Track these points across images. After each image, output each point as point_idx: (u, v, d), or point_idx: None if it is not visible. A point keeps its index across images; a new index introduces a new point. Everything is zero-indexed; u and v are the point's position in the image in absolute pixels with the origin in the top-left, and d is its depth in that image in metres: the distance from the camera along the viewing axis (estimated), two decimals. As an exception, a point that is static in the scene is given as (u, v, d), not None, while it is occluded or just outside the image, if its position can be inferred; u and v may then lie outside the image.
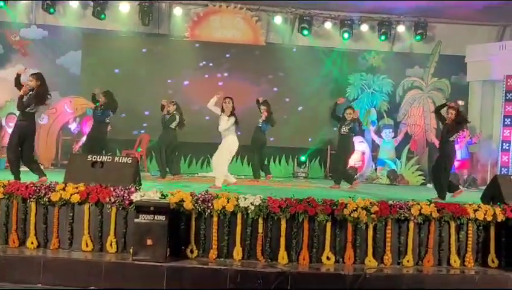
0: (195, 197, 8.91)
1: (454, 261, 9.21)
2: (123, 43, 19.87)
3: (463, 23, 20.17)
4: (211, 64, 20.22)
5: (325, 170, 20.37)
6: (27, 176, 11.43)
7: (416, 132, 20.07)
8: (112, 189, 9.02)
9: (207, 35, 20.29)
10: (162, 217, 8.37)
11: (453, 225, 9.24)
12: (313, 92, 20.10)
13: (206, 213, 8.85)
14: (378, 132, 19.92)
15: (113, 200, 8.86)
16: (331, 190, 14.58)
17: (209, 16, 20.32)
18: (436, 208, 9.16)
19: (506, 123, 18.32)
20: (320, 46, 20.71)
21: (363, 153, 19.86)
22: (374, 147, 20.14)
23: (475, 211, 9.30)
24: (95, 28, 19.80)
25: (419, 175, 19.19)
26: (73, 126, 18.95)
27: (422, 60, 20.70)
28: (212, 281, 8.27)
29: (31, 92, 12.32)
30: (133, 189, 9.09)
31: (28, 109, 12.16)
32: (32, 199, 9.00)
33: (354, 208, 8.87)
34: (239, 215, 8.84)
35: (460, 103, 20.20)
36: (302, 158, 20.16)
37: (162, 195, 8.89)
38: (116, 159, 10.45)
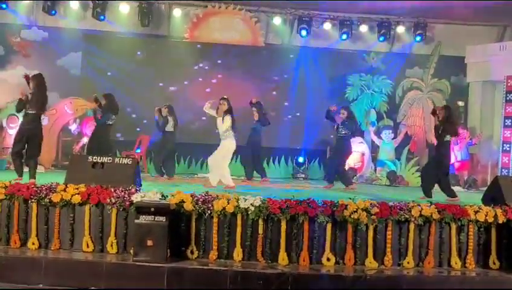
0: (196, 198, 8.93)
1: (455, 263, 9.20)
2: (123, 44, 19.89)
3: (463, 23, 20.16)
4: (210, 65, 20.23)
5: (325, 171, 20.36)
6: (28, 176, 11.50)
7: (416, 132, 20.07)
8: (112, 190, 9.03)
9: (206, 36, 20.29)
10: (163, 218, 8.39)
11: (453, 226, 9.23)
12: (313, 93, 20.09)
13: (207, 214, 8.86)
14: (377, 133, 19.91)
15: (113, 201, 8.87)
16: (331, 191, 14.59)
17: (209, 17, 20.32)
18: (436, 210, 9.16)
19: (506, 124, 18.29)
20: (319, 47, 20.71)
21: (363, 154, 19.87)
22: (374, 148, 20.13)
23: (476, 212, 9.30)
24: (95, 30, 19.80)
25: (419, 176, 19.15)
26: (73, 127, 18.95)
27: (422, 61, 20.71)
28: (212, 282, 8.28)
29: (30, 95, 12.37)
30: (133, 190, 9.10)
31: (27, 110, 12.38)
32: (33, 200, 9.01)
33: (354, 209, 8.88)
34: (239, 217, 8.84)
35: (460, 103, 20.28)
36: (300, 159, 20.15)
37: (163, 196, 8.90)
38: (117, 160, 10.48)
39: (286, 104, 20.29)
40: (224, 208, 8.80)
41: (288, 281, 8.25)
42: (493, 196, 10.40)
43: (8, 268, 8.37)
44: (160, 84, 19.72)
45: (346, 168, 18.47)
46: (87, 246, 8.93)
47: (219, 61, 20.19)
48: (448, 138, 13.45)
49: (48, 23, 19.61)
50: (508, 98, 18.32)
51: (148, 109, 17.88)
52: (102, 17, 19.35)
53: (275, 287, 8.20)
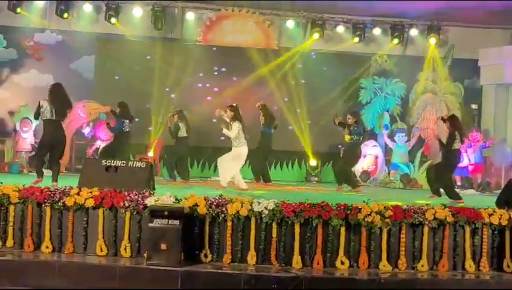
0: (209, 202, 8.93)
1: (469, 266, 9.16)
2: (136, 47, 19.89)
3: (476, 26, 20.09)
4: (223, 68, 20.20)
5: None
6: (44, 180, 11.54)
7: (429, 135, 20.00)
8: (126, 194, 9.04)
9: (219, 39, 20.30)
10: (176, 222, 8.39)
11: (467, 229, 9.19)
12: (326, 96, 20.06)
13: (220, 217, 8.86)
14: (391, 136, 19.86)
15: (127, 204, 8.88)
16: (345, 194, 14.55)
17: (222, 21, 20.33)
18: (450, 213, 9.12)
19: (520, 127, 18.27)
20: (332, 50, 20.69)
21: (376, 157, 19.83)
22: (387, 151, 20.08)
23: (490, 215, 9.26)
24: (108, 33, 19.84)
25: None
26: (86, 131, 18.99)
27: (436, 64, 20.63)
28: (226, 286, 8.28)
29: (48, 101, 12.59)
30: (147, 193, 9.11)
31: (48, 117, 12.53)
32: (47, 204, 9.04)
33: (368, 213, 8.86)
34: (253, 220, 8.84)
35: (474, 106, 20.21)
36: (313, 163, 20.10)
37: (176, 199, 8.91)
38: (130, 163, 10.51)
39: (299, 106, 20.22)
40: (238, 212, 8.79)
41: (302, 284, 8.24)
42: (507, 199, 10.35)
43: (22, 272, 8.39)
44: (174, 87, 19.68)
45: (356, 173, 18.55)
46: (101, 250, 8.94)
47: (233, 65, 20.14)
48: (456, 146, 13.63)
49: (61, 27, 19.66)
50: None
51: (162, 112, 17.91)
52: (115, 21, 19.35)
53: (288, 290, 8.21)
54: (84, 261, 8.71)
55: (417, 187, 18.45)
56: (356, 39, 20.24)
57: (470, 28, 20.32)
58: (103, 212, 8.98)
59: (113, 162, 10.37)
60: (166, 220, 8.37)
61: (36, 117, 12.83)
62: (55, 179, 12.37)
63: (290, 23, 20.36)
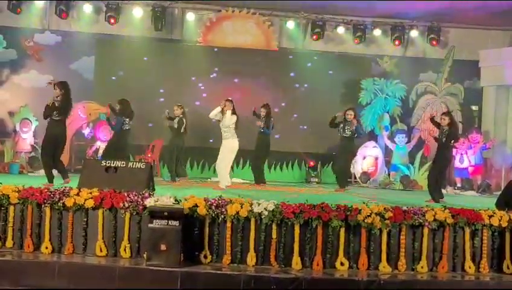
0: (209, 203, 8.92)
1: (469, 268, 9.16)
2: (136, 48, 19.90)
3: (477, 27, 20.11)
4: (223, 69, 20.18)
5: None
6: (42, 180, 11.53)
7: (429, 137, 19.98)
8: (125, 194, 9.03)
9: (220, 40, 20.30)
10: (176, 223, 8.38)
11: (467, 230, 9.18)
12: (326, 97, 20.06)
13: (220, 218, 8.85)
14: (391, 137, 19.86)
15: (127, 205, 8.87)
16: (344, 195, 14.53)
17: (222, 21, 20.34)
18: (450, 214, 9.11)
19: (520, 128, 18.27)
20: (332, 50, 20.71)
21: (376, 158, 19.83)
22: (387, 152, 20.08)
23: (490, 216, 9.25)
24: (108, 34, 19.86)
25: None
26: (86, 131, 18.99)
27: (436, 65, 20.64)
28: (225, 287, 8.27)
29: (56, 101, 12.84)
30: (146, 194, 9.10)
31: (54, 116, 12.80)
32: (46, 204, 9.03)
33: (368, 214, 8.85)
34: (253, 221, 8.83)
35: (474, 108, 20.22)
36: (311, 163, 20.09)
37: (176, 200, 8.90)
38: (130, 164, 10.51)
39: (299, 108, 20.23)
40: (237, 213, 8.79)
41: (302, 285, 8.23)
42: (507, 200, 10.34)
43: (22, 272, 8.38)
44: (174, 88, 19.68)
45: (356, 174, 18.57)
46: (101, 251, 8.93)
47: (233, 66, 20.12)
48: (452, 142, 13.74)
49: (61, 27, 19.69)
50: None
51: (161, 113, 17.88)
52: (113, 21, 19.38)
53: (288, 291, 8.20)
54: (84, 262, 8.70)
55: (417, 188, 18.46)
56: (357, 40, 20.26)
57: (471, 29, 20.34)
58: (103, 213, 8.97)
59: (113, 163, 10.37)
60: (166, 221, 8.37)
61: (47, 117, 12.96)
62: (65, 176, 12.81)
63: (291, 24, 20.38)
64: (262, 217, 8.77)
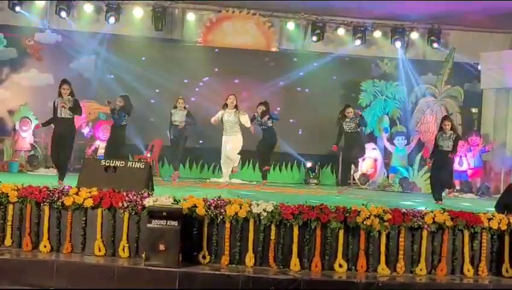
0: (208, 203, 8.91)
1: (468, 271, 9.15)
2: (136, 48, 19.91)
3: (477, 30, 20.12)
4: (223, 70, 20.17)
5: (337, 177, 20.31)
6: (41, 179, 11.51)
7: (429, 139, 19.98)
8: (124, 194, 9.02)
9: (220, 40, 20.30)
10: (175, 223, 8.37)
11: (466, 233, 9.18)
12: (326, 98, 20.07)
13: (219, 219, 8.84)
14: (390, 139, 19.86)
15: (125, 205, 8.86)
16: (343, 197, 14.53)
17: (222, 22, 20.35)
18: (449, 217, 9.11)
19: (520, 131, 18.27)
20: (332, 52, 20.70)
21: (375, 160, 19.83)
22: (386, 154, 20.08)
23: (489, 219, 9.24)
24: (109, 33, 19.84)
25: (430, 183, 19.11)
26: (86, 130, 18.98)
27: (436, 67, 20.63)
28: (224, 287, 8.26)
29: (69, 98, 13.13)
30: (145, 194, 9.10)
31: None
32: (45, 203, 9.02)
33: (367, 216, 8.84)
34: (251, 222, 8.82)
35: (474, 110, 20.21)
36: (308, 164, 20.09)
37: (175, 200, 8.89)
38: (129, 164, 10.51)
39: (299, 109, 20.21)
40: (236, 213, 8.78)
41: (300, 287, 8.23)
42: (506, 203, 10.33)
43: (20, 271, 8.37)
44: (174, 88, 19.68)
45: (355, 175, 18.58)
46: (99, 250, 8.92)
47: (233, 66, 20.11)
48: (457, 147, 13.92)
49: (62, 26, 19.70)
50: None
51: (163, 113, 17.89)
52: (114, 21, 19.37)
53: (286, 293, 8.20)
54: (82, 261, 8.68)
55: (416, 191, 18.47)
56: (357, 42, 20.25)
57: (471, 32, 20.35)
58: (102, 213, 8.96)
59: (112, 162, 10.36)
60: (165, 221, 8.36)
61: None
62: (62, 177, 12.99)
63: (291, 25, 20.38)
64: (261, 218, 8.76)
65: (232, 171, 15.55)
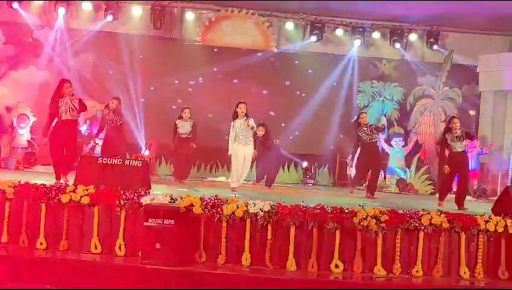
0: (205, 202, 8.91)
1: (464, 273, 9.17)
2: (135, 46, 19.84)
3: (476, 32, 20.07)
4: (222, 69, 20.13)
5: (334, 177, 20.29)
6: (38, 176, 11.51)
7: (426, 140, 19.98)
8: (121, 192, 9.02)
9: (218, 40, 20.26)
10: (171, 221, 8.37)
11: (463, 235, 9.19)
12: (323, 99, 20.06)
13: (215, 218, 8.84)
14: (388, 141, 19.84)
15: (122, 203, 8.87)
16: (340, 197, 14.51)
17: (221, 21, 20.28)
18: (446, 219, 9.11)
19: (518, 134, 18.25)
20: (330, 53, 20.67)
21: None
22: (384, 156, 20.05)
23: (486, 222, 9.26)
24: (107, 31, 19.79)
25: (429, 184, 19.10)
26: (83, 128, 18.92)
27: (434, 69, 20.61)
28: (220, 287, 8.26)
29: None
30: (142, 192, 9.10)
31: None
32: (42, 200, 9.01)
33: (364, 217, 8.85)
34: (248, 221, 8.83)
35: (472, 112, 20.19)
36: (304, 164, 20.06)
37: (172, 199, 8.89)
38: (127, 162, 10.50)
39: (296, 109, 20.16)
40: (233, 213, 8.78)
41: (297, 287, 8.23)
42: (503, 205, 10.35)
43: (16, 268, 8.37)
44: (173, 87, 19.66)
45: (348, 173, 18.58)
46: (95, 248, 8.93)
47: (232, 66, 20.08)
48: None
49: (60, 24, 19.62)
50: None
51: (160, 112, 17.87)
52: (110, 19, 19.35)
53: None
54: (79, 259, 8.69)
55: (413, 192, 18.47)
56: (356, 42, 20.22)
57: (469, 34, 20.30)
58: (98, 210, 8.97)
59: (110, 161, 10.35)
60: (162, 219, 8.36)
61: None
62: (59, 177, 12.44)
63: (289, 25, 20.32)
64: (258, 217, 8.77)
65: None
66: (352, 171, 19.28)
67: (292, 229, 8.82)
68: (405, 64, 20.66)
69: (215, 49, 20.13)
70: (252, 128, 13.74)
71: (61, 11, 19.08)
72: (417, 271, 9.03)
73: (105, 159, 10.49)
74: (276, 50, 20.41)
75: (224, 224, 8.85)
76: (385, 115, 20.26)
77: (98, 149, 17.34)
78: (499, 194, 12.48)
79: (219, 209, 8.85)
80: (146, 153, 18.39)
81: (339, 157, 20.01)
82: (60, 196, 8.97)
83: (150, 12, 19.53)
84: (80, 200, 8.93)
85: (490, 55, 19.47)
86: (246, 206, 8.85)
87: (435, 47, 20.26)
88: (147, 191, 9.40)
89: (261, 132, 16.07)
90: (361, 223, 8.83)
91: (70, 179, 10.81)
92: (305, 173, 19.92)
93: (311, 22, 20.16)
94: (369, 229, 8.86)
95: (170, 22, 20.03)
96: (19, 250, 8.91)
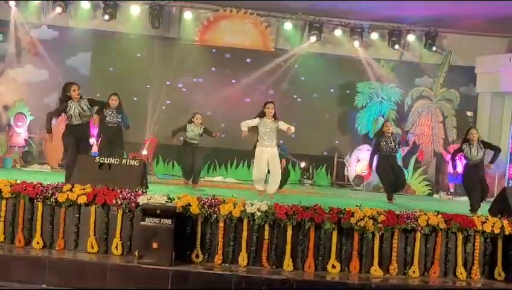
0: (202, 202, 8.90)
1: (461, 273, 9.16)
2: (133, 45, 19.86)
3: (474, 34, 20.09)
4: (220, 69, 20.14)
5: (332, 177, 20.30)
6: (37, 176, 11.49)
7: (423, 142, 20.01)
8: (118, 191, 9.01)
9: (217, 39, 20.27)
10: (168, 221, 8.36)
11: (460, 236, 9.19)
12: (322, 99, 20.08)
13: (213, 218, 8.83)
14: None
15: (119, 202, 8.85)
16: (338, 198, 14.51)
17: (219, 21, 20.31)
18: (443, 219, 9.11)
19: (515, 135, 18.28)
20: (329, 53, 20.67)
21: (370, 162, 19.81)
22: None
23: (483, 223, 9.26)
24: (105, 30, 19.80)
25: (426, 185, 19.12)
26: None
27: (432, 70, 20.63)
28: (216, 287, 8.25)
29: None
30: (139, 192, 9.09)
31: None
32: (39, 199, 9.01)
33: (361, 217, 8.84)
34: (245, 221, 8.82)
35: (469, 114, 20.20)
36: (302, 164, 20.05)
37: (169, 199, 8.87)
38: (124, 161, 10.48)
39: (294, 109, 20.16)
40: (230, 213, 8.77)
41: (293, 287, 8.22)
42: (500, 207, 10.37)
43: (12, 267, 8.35)
44: (170, 86, 19.67)
45: (350, 177, 18.55)
46: (92, 247, 8.91)
47: (230, 66, 20.09)
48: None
49: (58, 23, 19.63)
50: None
51: (157, 111, 17.88)
52: (108, 18, 19.33)
53: (279, 293, 8.19)
54: (75, 258, 8.66)
55: (410, 193, 18.47)
56: (355, 43, 20.22)
57: (467, 36, 20.32)
58: (95, 210, 8.95)
59: (107, 160, 10.34)
60: (159, 219, 8.35)
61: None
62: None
63: (288, 25, 20.33)
64: (255, 217, 8.76)
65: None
66: (350, 172, 19.35)
67: (289, 229, 8.80)
68: (403, 65, 20.70)
69: (214, 50, 20.13)
70: (288, 129, 12.87)
71: (59, 10, 19.06)
72: (414, 272, 9.02)
73: (103, 158, 10.47)
74: (274, 50, 20.41)
75: (221, 224, 8.83)
76: (383, 116, 20.28)
77: (95, 148, 17.31)
78: (495, 195, 12.47)
79: (216, 209, 8.83)
80: (144, 152, 18.37)
81: (336, 157, 20.02)
82: (57, 195, 8.95)
83: (148, 11, 19.57)
84: (76, 199, 8.91)
85: (488, 56, 19.53)
86: (243, 206, 8.84)
87: (433, 48, 20.27)
88: (144, 191, 9.38)
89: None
90: (359, 224, 8.82)
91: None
92: (303, 173, 19.93)
93: (310, 22, 20.19)
94: (366, 230, 8.86)
95: (168, 21, 20.04)
96: (15, 249, 8.88)
